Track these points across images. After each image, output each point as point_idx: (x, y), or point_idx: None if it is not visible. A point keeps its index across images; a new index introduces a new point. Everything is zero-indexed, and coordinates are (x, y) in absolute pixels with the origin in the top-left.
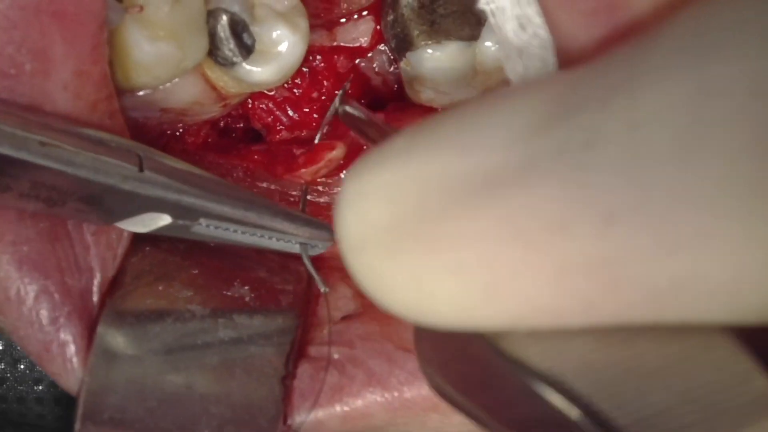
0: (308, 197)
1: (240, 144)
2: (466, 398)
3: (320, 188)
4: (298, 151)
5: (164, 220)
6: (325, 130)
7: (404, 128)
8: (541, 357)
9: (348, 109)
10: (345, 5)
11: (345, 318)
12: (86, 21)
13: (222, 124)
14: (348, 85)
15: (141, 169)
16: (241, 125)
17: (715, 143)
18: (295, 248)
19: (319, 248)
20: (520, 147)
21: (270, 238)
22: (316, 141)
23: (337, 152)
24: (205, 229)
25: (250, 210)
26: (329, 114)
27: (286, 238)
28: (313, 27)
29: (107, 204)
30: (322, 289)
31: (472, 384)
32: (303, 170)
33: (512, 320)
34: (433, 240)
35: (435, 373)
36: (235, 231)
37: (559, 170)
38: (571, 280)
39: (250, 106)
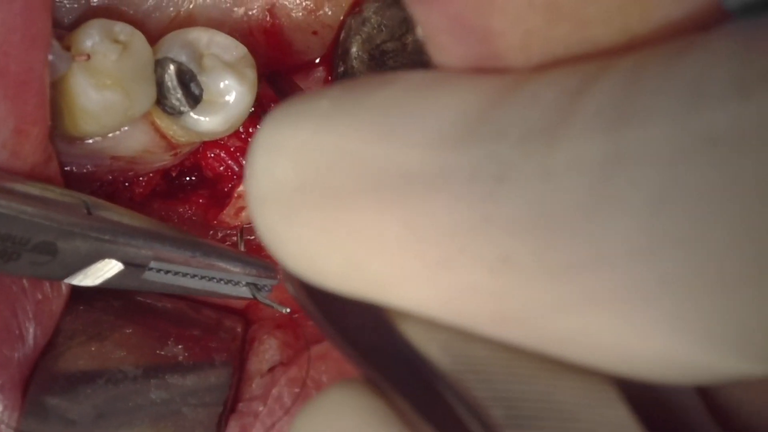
0: (250, 237)
1: (186, 189)
2: (320, 314)
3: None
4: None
5: (116, 267)
6: None
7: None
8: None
9: (281, 83)
10: (297, 56)
11: (272, 369)
12: (29, 80)
13: (174, 173)
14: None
15: (89, 212)
16: (195, 175)
17: (616, 209)
18: (243, 291)
19: (266, 289)
20: (436, 156)
21: (219, 281)
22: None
23: None
24: (155, 275)
25: (197, 250)
26: None
27: (234, 280)
28: (265, 77)
29: (61, 253)
30: (284, 311)
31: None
32: (225, 212)
33: (396, 308)
34: (331, 216)
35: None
36: (185, 275)
37: (468, 194)
38: (455, 300)
39: (200, 155)
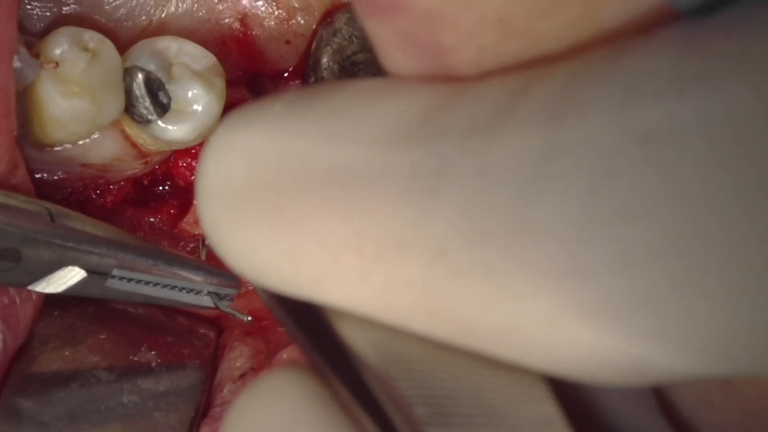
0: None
1: (158, 198)
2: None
3: None
4: None
5: (78, 274)
6: None
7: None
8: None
9: (264, 88)
10: (271, 65)
11: (243, 375)
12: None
13: (146, 182)
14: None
15: (52, 219)
16: (167, 184)
17: (547, 203)
18: (205, 301)
19: (228, 298)
20: (377, 154)
21: (181, 290)
22: None
23: None
24: (119, 283)
25: (159, 258)
26: None
27: (196, 289)
28: (235, 84)
29: (24, 260)
30: (245, 319)
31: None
32: (185, 220)
33: (332, 306)
34: (275, 216)
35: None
36: (147, 284)
37: (408, 190)
38: (389, 295)
39: (172, 164)
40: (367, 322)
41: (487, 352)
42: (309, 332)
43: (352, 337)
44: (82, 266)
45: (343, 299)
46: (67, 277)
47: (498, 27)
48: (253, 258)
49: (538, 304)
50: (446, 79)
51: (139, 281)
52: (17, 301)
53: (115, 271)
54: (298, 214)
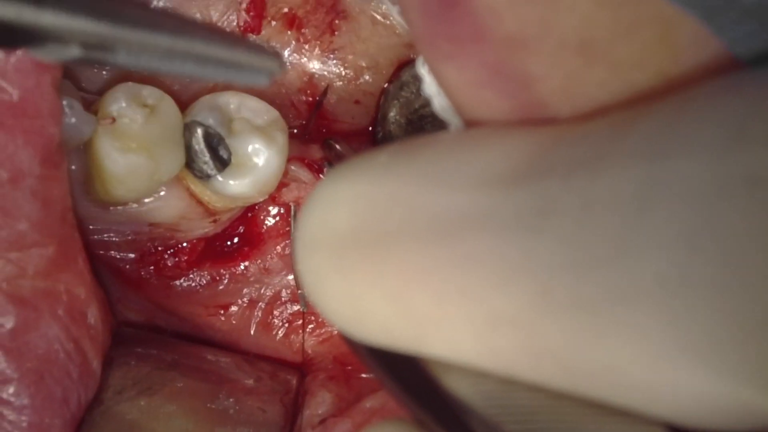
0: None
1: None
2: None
3: None
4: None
5: (73, 52)
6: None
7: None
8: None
9: (333, 143)
10: (342, 124)
11: (323, 421)
12: (46, 120)
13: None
14: (323, 99)
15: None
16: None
17: (649, 242)
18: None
19: (263, 80)
20: (482, 196)
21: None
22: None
23: None
24: (126, 58)
25: (179, 37)
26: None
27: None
28: (310, 142)
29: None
30: (303, 309)
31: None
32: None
33: (435, 355)
34: (379, 260)
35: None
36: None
37: (512, 230)
38: (494, 337)
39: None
40: (475, 374)
41: (593, 395)
42: (411, 386)
43: (462, 390)
44: (76, 46)
45: (447, 343)
46: (59, 52)
47: (580, 51)
48: (355, 303)
49: (641, 344)
50: (538, 120)
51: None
52: (90, 357)
53: (122, 52)
54: (402, 257)
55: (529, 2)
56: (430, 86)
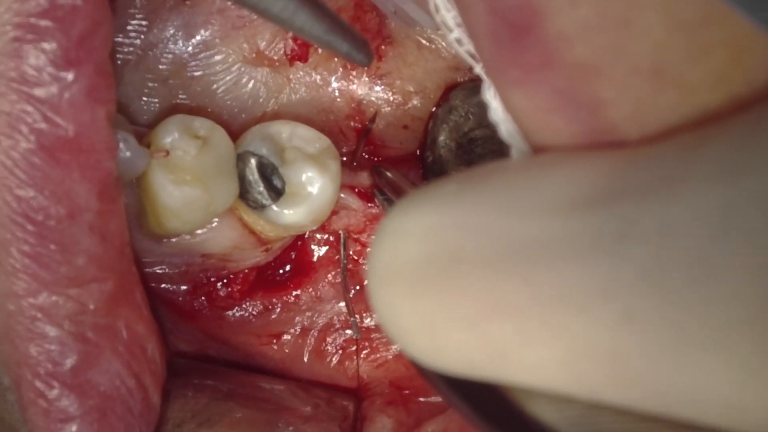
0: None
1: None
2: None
3: None
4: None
5: None
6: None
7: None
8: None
9: (383, 170)
10: (391, 150)
11: None
12: (102, 154)
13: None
14: (372, 125)
15: None
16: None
17: (732, 260)
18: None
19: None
20: (558, 221)
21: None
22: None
23: None
24: None
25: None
26: (363, 136)
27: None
28: (359, 169)
29: None
30: (356, 336)
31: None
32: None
33: (514, 382)
34: (456, 291)
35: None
36: None
37: (590, 254)
38: (578, 362)
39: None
40: (559, 400)
41: (682, 416)
42: (493, 414)
43: (548, 416)
44: None
45: (529, 370)
46: None
47: (652, 77)
48: (432, 334)
49: (732, 365)
50: (607, 143)
51: None
52: (152, 392)
53: None
54: (479, 286)
55: (601, 28)
56: (496, 112)
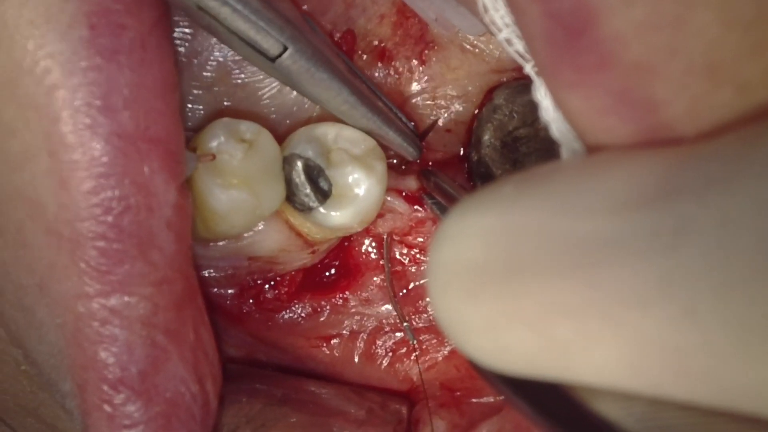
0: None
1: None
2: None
3: None
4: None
5: None
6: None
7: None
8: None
9: (432, 174)
10: (434, 154)
11: None
12: (177, 147)
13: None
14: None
15: None
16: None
17: None
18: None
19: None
20: (616, 220)
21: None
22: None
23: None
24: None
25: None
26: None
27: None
28: (406, 173)
29: None
30: (411, 342)
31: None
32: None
33: (578, 381)
34: (517, 292)
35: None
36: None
37: (649, 251)
38: (641, 359)
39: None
40: (624, 397)
41: (748, 410)
42: (557, 413)
43: (613, 413)
44: None
45: (593, 369)
46: None
47: (707, 74)
48: (494, 336)
49: None
50: (662, 141)
51: None
52: (210, 396)
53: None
54: (539, 287)
55: (656, 28)
56: (547, 111)
